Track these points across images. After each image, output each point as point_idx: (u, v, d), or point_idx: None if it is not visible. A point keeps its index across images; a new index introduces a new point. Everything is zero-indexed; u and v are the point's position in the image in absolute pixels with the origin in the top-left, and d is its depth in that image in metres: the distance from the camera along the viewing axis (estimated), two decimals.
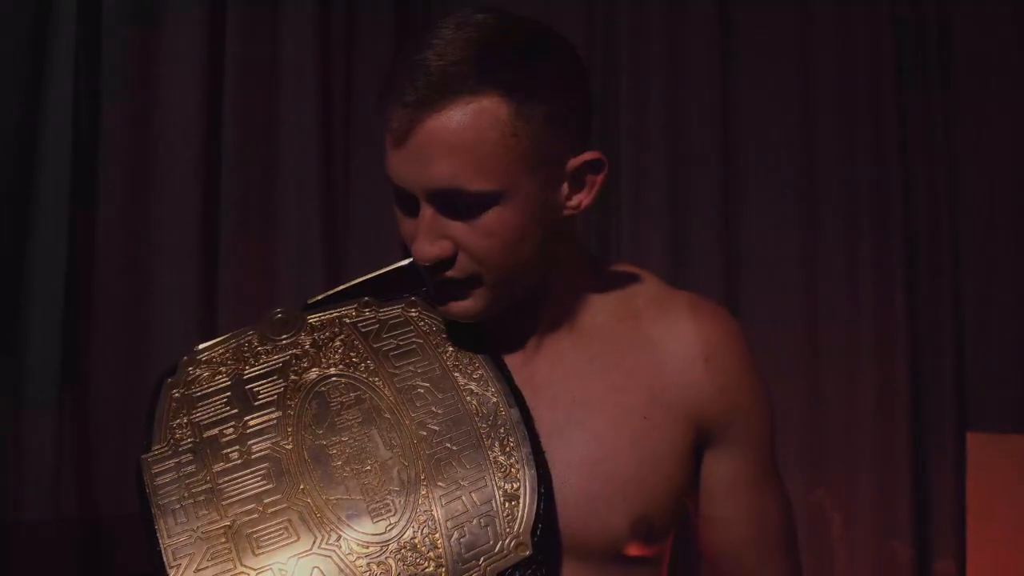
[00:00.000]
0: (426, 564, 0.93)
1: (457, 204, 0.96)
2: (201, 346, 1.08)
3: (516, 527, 0.95)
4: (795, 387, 2.17)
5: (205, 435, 1.01)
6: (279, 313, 1.09)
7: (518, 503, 0.96)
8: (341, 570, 0.93)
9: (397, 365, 1.04)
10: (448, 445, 0.98)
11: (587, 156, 1.01)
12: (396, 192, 1.01)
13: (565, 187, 1.01)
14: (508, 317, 1.07)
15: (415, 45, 0.97)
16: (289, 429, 1.00)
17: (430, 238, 0.97)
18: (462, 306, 1.02)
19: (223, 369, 1.05)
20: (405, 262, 1.12)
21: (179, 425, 1.02)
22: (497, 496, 0.96)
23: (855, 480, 2.17)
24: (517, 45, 0.97)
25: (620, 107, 2.20)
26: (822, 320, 2.22)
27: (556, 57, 1.00)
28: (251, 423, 1.01)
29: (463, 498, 0.96)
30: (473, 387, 1.02)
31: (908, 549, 2.15)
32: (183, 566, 0.93)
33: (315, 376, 1.03)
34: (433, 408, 1.01)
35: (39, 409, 1.79)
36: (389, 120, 0.96)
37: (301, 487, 0.96)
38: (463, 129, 0.94)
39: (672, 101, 2.21)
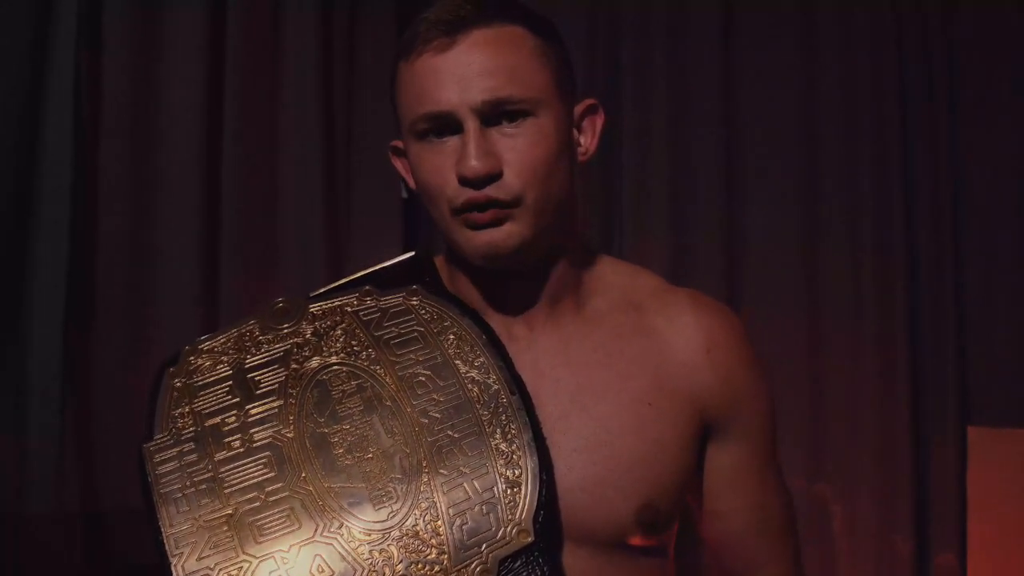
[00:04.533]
0: (428, 551, 0.93)
1: (501, 116, 1.01)
2: (203, 337, 1.08)
3: (518, 514, 0.95)
4: (797, 381, 2.17)
5: (207, 424, 1.00)
6: (280, 302, 1.09)
7: (520, 490, 0.96)
8: (343, 557, 0.93)
9: (398, 353, 1.04)
10: (450, 432, 0.98)
11: (587, 101, 1.10)
12: (428, 124, 1.02)
13: (575, 132, 1.09)
14: (511, 301, 1.08)
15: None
16: (291, 418, 1.00)
17: (479, 152, 1.00)
18: (502, 232, 1.02)
19: (224, 358, 1.05)
20: (407, 256, 1.12)
21: (181, 414, 1.02)
22: (499, 483, 0.96)
23: (856, 473, 2.17)
24: (522, 5, 1.07)
25: (623, 110, 2.20)
26: (823, 314, 2.22)
27: (550, 23, 1.10)
28: (253, 412, 1.01)
29: (465, 485, 0.96)
30: (474, 374, 1.02)
31: (909, 542, 2.15)
32: (185, 555, 0.93)
33: (316, 365, 1.03)
34: (434, 396, 1.00)
35: (42, 401, 1.79)
36: (428, 43, 1.01)
37: (303, 475, 0.96)
38: (505, 44, 1.02)
39: (675, 104, 2.21)
